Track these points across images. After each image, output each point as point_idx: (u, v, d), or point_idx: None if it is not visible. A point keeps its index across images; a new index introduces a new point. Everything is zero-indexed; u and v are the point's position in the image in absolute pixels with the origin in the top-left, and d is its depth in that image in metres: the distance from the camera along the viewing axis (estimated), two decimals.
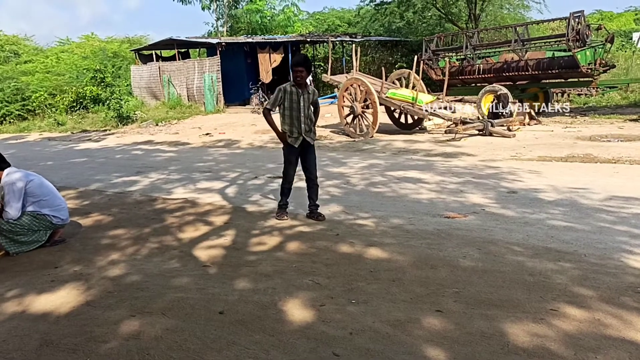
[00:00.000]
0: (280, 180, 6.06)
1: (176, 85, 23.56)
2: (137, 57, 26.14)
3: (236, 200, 7.18)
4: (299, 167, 5.99)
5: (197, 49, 27.07)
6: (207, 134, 16.55)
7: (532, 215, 5.65)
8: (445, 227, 5.37)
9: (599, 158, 8.68)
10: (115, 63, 28.47)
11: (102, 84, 24.78)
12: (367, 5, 26.52)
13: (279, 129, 5.83)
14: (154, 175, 9.55)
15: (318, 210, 5.91)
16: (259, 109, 20.72)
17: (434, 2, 24.25)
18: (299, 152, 5.82)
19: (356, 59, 14.73)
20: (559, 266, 4.11)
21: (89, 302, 3.83)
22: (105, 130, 20.31)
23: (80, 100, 24.78)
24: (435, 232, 5.19)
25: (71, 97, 24.84)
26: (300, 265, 4.43)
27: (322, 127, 16.04)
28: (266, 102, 5.59)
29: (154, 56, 25.27)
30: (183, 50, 25.66)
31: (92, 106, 24.33)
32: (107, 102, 22.93)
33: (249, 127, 17.11)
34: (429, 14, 25.93)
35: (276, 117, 5.71)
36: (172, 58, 25.00)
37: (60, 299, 3.90)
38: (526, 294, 3.61)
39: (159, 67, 24.36)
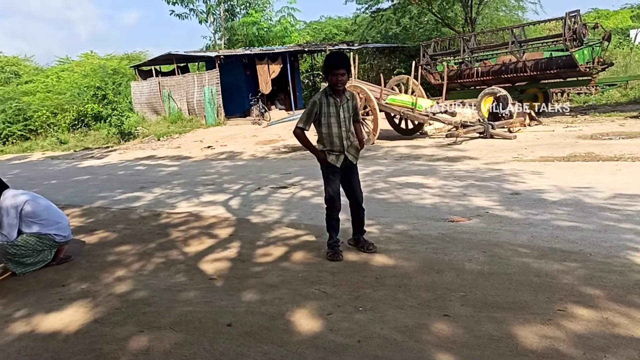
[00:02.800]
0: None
1: (176, 100, 23.66)
2: (137, 73, 26.29)
3: (240, 212, 7.20)
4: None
5: (196, 63, 27.22)
6: (208, 147, 16.60)
7: (536, 216, 5.65)
8: (450, 231, 5.37)
9: (601, 156, 8.68)
10: (115, 80, 28.65)
11: (105, 100, 24.92)
12: (364, 12, 26.70)
13: (316, 147, 4.85)
14: (158, 190, 9.58)
15: (365, 238, 5.02)
16: (259, 120, 20.81)
17: (430, 7, 24.35)
18: (341, 172, 4.86)
19: (354, 67, 14.78)
20: (565, 266, 4.10)
21: (97, 319, 3.84)
22: (108, 147, 20.40)
23: (82, 118, 24.92)
24: (439, 237, 5.19)
25: (73, 115, 24.99)
26: (306, 274, 4.43)
27: None
28: (299, 119, 4.80)
29: (154, 72, 25.41)
30: (182, 64, 25.80)
31: (93, 124, 24.46)
32: (109, 119, 23.06)
33: (251, 139, 17.16)
34: (425, 19, 26.06)
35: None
36: (171, 73, 25.14)
37: (69, 317, 3.91)
38: (533, 295, 3.60)
39: (159, 83, 24.48)
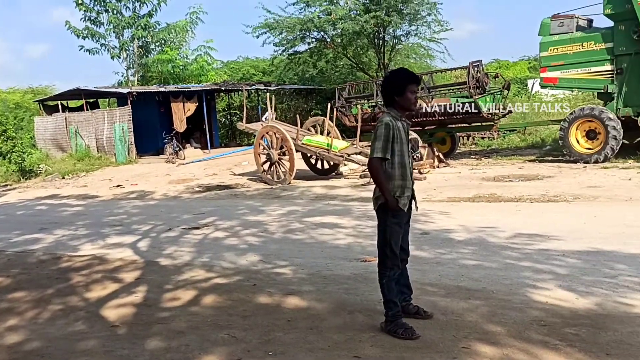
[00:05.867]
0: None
1: (84, 136, 22.72)
2: (42, 108, 25.05)
3: (149, 254, 6.90)
4: None
5: (107, 99, 26.38)
6: (118, 185, 15.94)
7: (444, 255, 5.83)
8: (362, 270, 5.42)
9: (503, 197, 9.18)
10: (17, 114, 27.07)
11: (3, 136, 23.39)
12: (281, 54, 27.10)
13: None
14: (60, 232, 9.01)
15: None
16: (173, 158, 20.34)
17: (345, 52, 25.19)
18: None
19: (271, 107, 14.91)
20: (469, 304, 4.24)
21: None
22: (6, 185, 19.09)
23: None
24: (352, 277, 5.22)
25: None
26: (215, 319, 4.28)
27: (239, 174, 15.96)
28: (375, 150, 3.68)
29: (60, 107, 24.33)
30: (92, 100, 24.87)
31: None
32: (8, 155, 21.61)
33: (163, 178, 16.69)
34: (341, 63, 26.87)
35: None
36: (80, 108, 24.17)
37: None
38: (440, 334, 3.68)
39: (65, 118, 23.45)
